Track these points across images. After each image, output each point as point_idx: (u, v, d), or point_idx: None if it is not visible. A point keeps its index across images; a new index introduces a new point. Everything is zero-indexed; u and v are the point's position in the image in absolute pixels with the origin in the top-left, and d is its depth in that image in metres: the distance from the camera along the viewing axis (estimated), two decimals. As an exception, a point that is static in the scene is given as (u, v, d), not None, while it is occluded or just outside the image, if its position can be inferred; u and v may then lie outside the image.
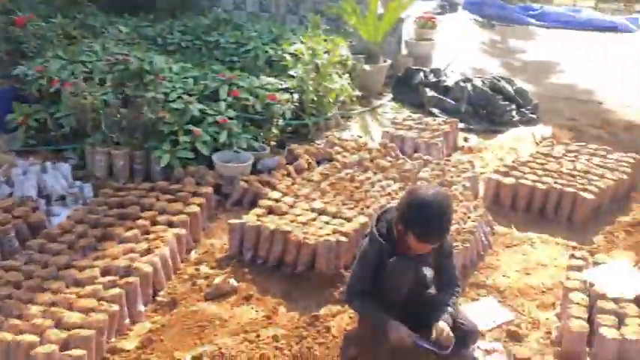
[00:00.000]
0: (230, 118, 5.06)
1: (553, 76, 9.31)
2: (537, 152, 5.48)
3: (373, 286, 3.05)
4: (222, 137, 4.86)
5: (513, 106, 6.98)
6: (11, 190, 4.33)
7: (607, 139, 6.48)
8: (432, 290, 3.21)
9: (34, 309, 3.00)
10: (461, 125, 6.59)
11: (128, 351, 3.04)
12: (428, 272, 3.22)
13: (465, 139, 6.36)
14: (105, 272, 3.40)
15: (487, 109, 6.86)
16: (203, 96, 5.34)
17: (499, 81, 7.34)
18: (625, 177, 5.00)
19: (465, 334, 3.08)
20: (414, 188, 2.98)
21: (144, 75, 5.12)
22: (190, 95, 5.16)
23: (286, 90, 5.81)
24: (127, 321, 3.25)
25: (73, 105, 4.78)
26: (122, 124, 4.71)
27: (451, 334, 2.88)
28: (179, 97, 5.06)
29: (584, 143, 5.75)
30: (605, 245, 4.32)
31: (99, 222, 3.90)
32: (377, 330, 3.02)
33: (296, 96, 5.81)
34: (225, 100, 5.25)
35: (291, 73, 5.97)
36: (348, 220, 4.08)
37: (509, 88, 7.24)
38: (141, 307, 3.36)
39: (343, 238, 3.77)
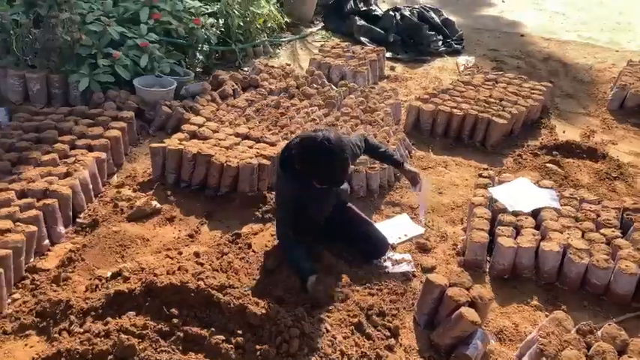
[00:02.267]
0: (152, 42, 4.93)
1: (482, 9, 9.49)
2: (458, 80, 5.68)
3: (297, 213, 3.06)
4: (143, 61, 4.74)
5: (440, 37, 7.11)
6: None
7: (526, 70, 6.77)
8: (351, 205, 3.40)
9: (-55, 231, 2.95)
10: (388, 54, 6.71)
11: (48, 270, 3.07)
12: (344, 186, 3.39)
13: (392, 68, 6.48)
14: (22, 195, 3.35)
15: (414, 38, 6.97)
16: (124, 19, 5.14)
17: (427, 11, 7.42)
18: (536, 104, 5.28)
19: (375, 246, 3.29)
20: (304, 138, 2.81)
21: (57, -6, 4.87)
22: (109, 17, 4.95)
23: (212, 14, 5.67)
24: (47, 242, 3.26)
25: (-20, 25, 4.51)
26: (36, 45, 4.49)
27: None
28: (97, 19, 4.85)
29: (501, 72, 6.00)
30: (513, 166, 4.62)
31: (14, 146, 3.80)
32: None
33: (222, 21, 5.68)
34: (146, 23, 5.07)
35: (216, -4, 5.82)
36: (272, 144, 4.16)
37: (436, 18, 7.35)
38: (61, 229, 3.36)
39: (265, 161, 3.85)
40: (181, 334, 2.49)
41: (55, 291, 2.90)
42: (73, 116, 4.23)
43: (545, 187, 3.91)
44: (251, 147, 4.10)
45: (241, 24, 5.91)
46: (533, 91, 5.48)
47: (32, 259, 3.12)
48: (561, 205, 3.74)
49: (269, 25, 6.38)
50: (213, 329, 2.50)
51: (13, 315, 2.76)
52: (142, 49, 4.81)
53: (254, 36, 6.17)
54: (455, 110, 4.91)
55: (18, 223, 3.09)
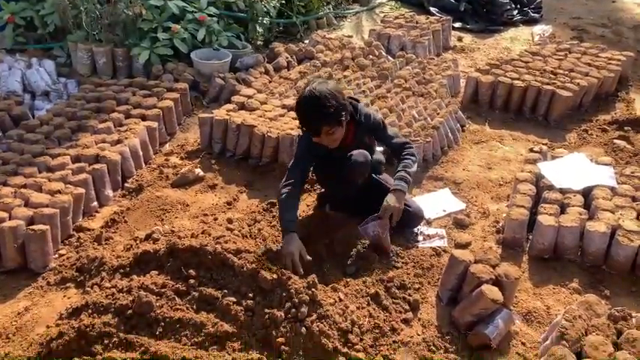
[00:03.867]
0: (210, 16, 5.05)
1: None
2: (525, 51, 5.34)
3: (326, 181, 3.23)
4: (201, 34, 4.88)
5: (514, 5, 6.70)
6: (-3, 85, 4.52)
7: (610, 39, 6.24)
8: (384, 179, 3.31)
9: (5, 190, 3.23)
10: (458, 24, 6.44)
11: (92, 230, 3.29)
12: (380, 157, 3.33)
13: (460, 39, 6.21)
14: (76, 160, 3.61)
15: (487, 7, 6.62)
16: (185, -7, 5.30)
17: (503, -22, 6.99)
18: (612, 75, 4.86)
19: (409, 216, 3.21)
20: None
21: (125, -29, 5.10)
22: (171, -8, 5.13)
23: (273, -13, 5.71)
24: (95, 204, 3.49)
25: (55, 2, 4.83)
26: (102, 21, 4.75)
27: (396, 205, 2.95)
28: (159, -6, 5.04)
29: (576, 42, 5.57)
30: (576, 142, 4.31)
31: (75, 115, 4.07)
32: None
33: (282, -7, 5.72)
34: (206, -3, 5.21)
35: (275, -32, 5.83)
36: (318, 115, 4.15)
37: (513, -15, 6.91)
38: (109, 192, 3.58)
39: (306, 131, 3.86)
40: (196, 294, 2.59)
41: (95, 249, 3.11)
42: (132, 87, 4.46)
43: (602, 163, 3.62)
44: (295, 118, 4.11)
45: (302, -4, 5.90)
46: (610, 62, 5.04)
47: (80, 219, 3.36)
48: (619, 184, 3.45)
49: (332, -4, 6.32)
50: (225, 291, 2.58)
51: (57, 269, 3.00)
52: (200, 22, 4.94)
53: (317, 8, 6.13)
54: (516, 82, 4.63)
55: (68, 186, 3.33)
